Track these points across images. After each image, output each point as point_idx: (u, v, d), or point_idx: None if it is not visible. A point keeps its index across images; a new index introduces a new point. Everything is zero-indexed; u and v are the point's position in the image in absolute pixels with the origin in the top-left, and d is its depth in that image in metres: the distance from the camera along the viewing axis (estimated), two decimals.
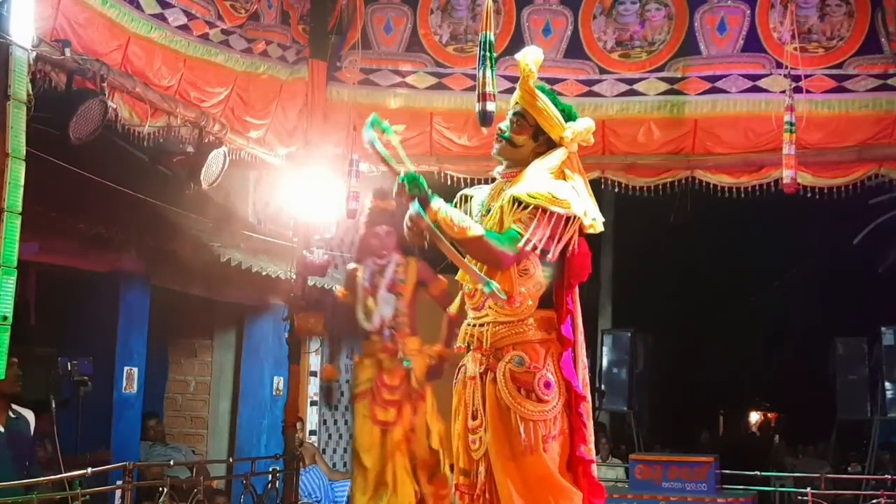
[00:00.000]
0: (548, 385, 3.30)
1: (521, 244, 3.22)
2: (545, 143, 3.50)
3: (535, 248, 3.24)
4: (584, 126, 3.49)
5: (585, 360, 3.46)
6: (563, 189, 3.36)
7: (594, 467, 3.40)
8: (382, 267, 5.54)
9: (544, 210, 3.26)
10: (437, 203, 3.12)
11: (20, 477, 4.75)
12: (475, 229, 3.17)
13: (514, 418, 3.26)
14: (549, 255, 3.29)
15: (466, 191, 3.72)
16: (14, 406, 5.09)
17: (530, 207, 3.26)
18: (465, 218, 3.21)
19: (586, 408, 3.38)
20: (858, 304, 12.52)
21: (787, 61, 6.14)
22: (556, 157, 3.46)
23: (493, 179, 3.63)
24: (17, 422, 5.06)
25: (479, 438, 3.37)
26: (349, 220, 6.72)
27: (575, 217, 3.33)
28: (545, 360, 3.34)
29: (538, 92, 3.46)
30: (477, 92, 3.41)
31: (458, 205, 3.68)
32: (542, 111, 3.46)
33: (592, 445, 3.41)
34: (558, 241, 3.29)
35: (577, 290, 3.45)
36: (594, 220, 3.44)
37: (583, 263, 3.41)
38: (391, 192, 5.58)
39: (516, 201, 3.33)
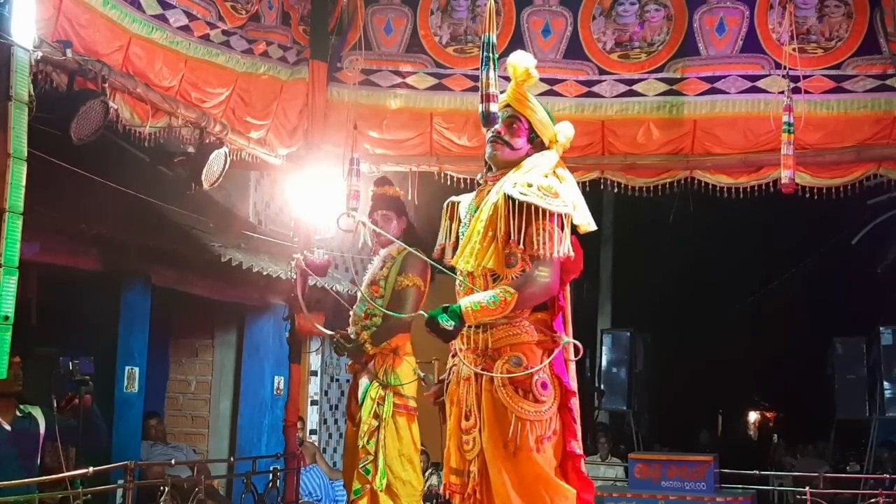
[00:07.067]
0: (544, 386, 3.34)
1: (549, 273, 3.31)
2: (539, 146, 3.54)
3: (561, 254, 3.33)
4: (573, 130, 3.57)
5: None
6: (555, 184, 3.40)
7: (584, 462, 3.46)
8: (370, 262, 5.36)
9: (543, 211, 3.30)
10: (466, 308, 3.26)
11: (26, 475, 4.76)
12: (509, 297, 3.26)
13: (510, 418, 3.29)
14: (564, 253, 3.36)
15: (453, 198, 3.77)
16: (22, 405, 5.10)
17: (524, 213, 3.31)
18: (489, 294, 3.28)
19: (575, 403, 3.42)
20: (857, 304, 12.53)
21: (785, 62, 6.14)
22: (547, 160, 3.50)
23: (479, 184, 3.66)
24: (24, 420, 5.06)
25: (472, 439, 3.40)
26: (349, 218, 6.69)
27: (567, 214, 3.37)
28: (541, 362, 3.36)
29: (530, 95, 3.51)
30: (480, 93, 3.44)
31: (446, 211, 3.73)
32: (536, 113, 3.51)
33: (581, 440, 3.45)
34: (562, 240, 3.34)
35: (567, 287, 3.49)
36: (584, 221, 3.48)
37: (576, 261, 3.44)
38: (390, 179, 5.56)
39: (509, 198, 3.37)
